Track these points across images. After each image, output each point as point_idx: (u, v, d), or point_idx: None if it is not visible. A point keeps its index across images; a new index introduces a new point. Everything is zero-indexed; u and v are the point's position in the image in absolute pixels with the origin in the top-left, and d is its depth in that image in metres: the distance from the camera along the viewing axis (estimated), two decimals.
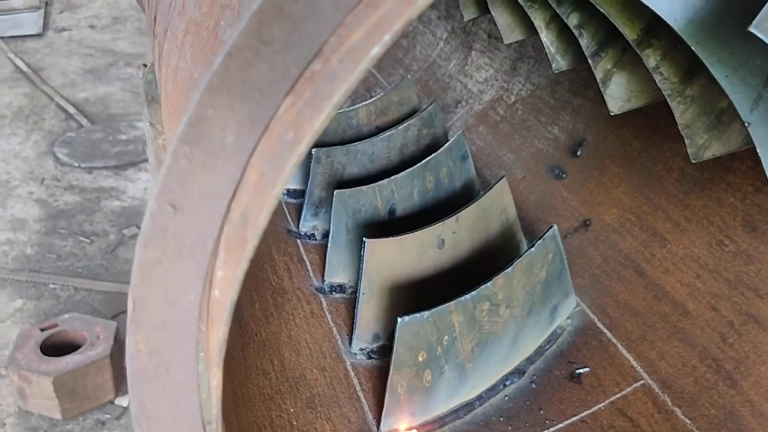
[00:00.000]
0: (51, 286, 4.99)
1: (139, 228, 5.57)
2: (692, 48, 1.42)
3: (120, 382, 4.15)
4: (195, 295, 0.92)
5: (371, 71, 3.88)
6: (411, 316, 1.70)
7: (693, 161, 1.71)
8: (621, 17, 1.69)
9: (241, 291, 1.83)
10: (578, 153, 2.52)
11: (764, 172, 1.43)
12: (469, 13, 2.74)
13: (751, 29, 1.12)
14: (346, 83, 0.77)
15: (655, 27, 1.68)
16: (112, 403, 4.15)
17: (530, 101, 2.85)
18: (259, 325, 1.82)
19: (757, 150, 1.42)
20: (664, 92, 1.70)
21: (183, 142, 0.85)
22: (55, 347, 4.10)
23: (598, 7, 1.70)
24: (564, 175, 2.52)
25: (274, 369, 1.70)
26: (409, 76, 3.15)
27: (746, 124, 1.42)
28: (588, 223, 2.32)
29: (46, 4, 10.27)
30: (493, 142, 2.89)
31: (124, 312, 4.77)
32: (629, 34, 1.70)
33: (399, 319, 1.69)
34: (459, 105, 3.20)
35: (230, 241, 0.86)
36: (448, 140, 2.59)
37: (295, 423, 1.58)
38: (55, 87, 7.99)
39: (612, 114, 1.97)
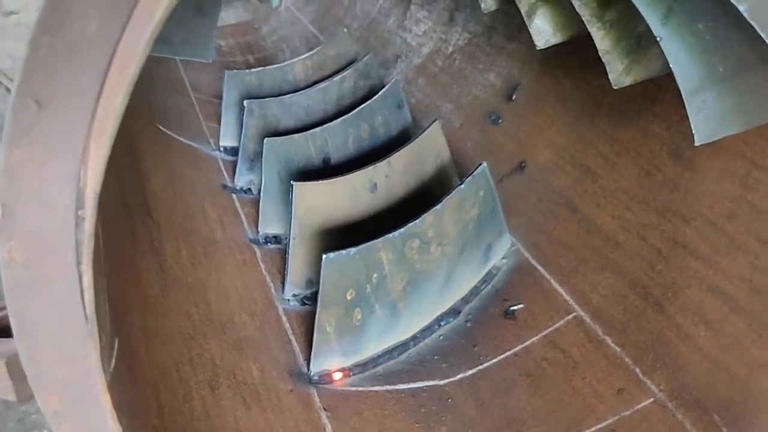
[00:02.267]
0: None
1: None
2: None
3: None
4: (70, 201, 0.87)
5: (310, 29, 3.83)
6: (337, 252, 1.68)
7: (615, 87, 1.70)
8: None
9: (166, 237, 1.78)
10: (513, 97, 2.50)
11: (678, 87, 1.42)
12: None
13: None
14: None
15: None
16: None
17: (467, 50, 2.83)
18: (184, 271, 1.78)
19: (671, 65, 1.41)
20: (583, 18, 1.69)
21: (42, 30, 0.80)
22: (8, 328, 3.99)
23: None
24: (500, 120, 2.50)
25: (198, 312, 1.67)
26: (345, 30, 3.10)
27: (659, 39, 1.41)
28: (523, 165, 2.31)
29: None
30: (432, 93, 2.87)
31: None
32: None
33: (324, 256, 1.66)
34: (399, 60, 3.16)
35: (97, 134, 0.82)
36: None
37: (218, 362, 1.54)
38: (3, 70, 7.78)
39: (538, 48, 1.95)
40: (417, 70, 3.01)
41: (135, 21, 0.80)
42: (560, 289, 1.93)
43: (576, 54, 2.28)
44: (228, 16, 6.99)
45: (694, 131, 1.45)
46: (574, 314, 1.85)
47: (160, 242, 1.78)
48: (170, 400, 1.24)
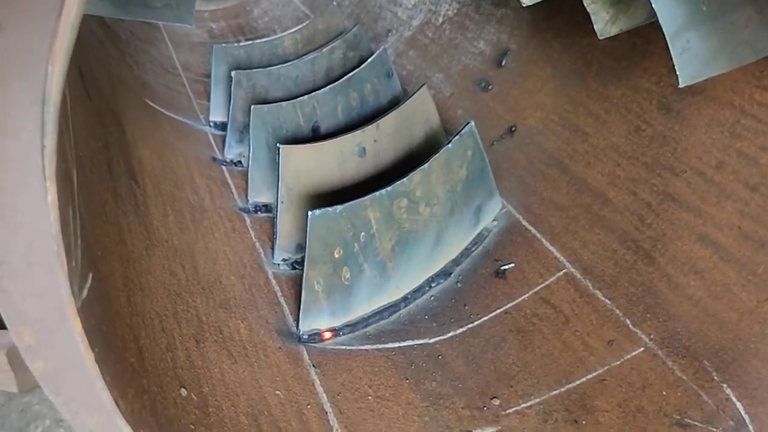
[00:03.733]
0: None
1: None
2: None
3: None
4: (34, 124, 0.86)
5: (302, 9, 3.81)
6: (323, 209, 1.67)
7: (600, 37, 1.69)
8: None
9: (153, 202, 1.77)
10: (503, 63, 2.48)
11: (662, 28, 1.41)
12: None
13: None
14: None
15: None
16: None
17: (456, 20, 2.81)
18: (171, 234, 1.76)
19: (653, 5, 1.39)
20: None
21: None
22: None
23: None
24: (490, 87, 2.49)
25: (185, 272, 1.65)
26: (335, 3, 3.09)
27: None
28: (513, 129, 2.30)
29: None
30: (422, 64, 2.85)
31: None
32: None
33: (310, 213, 1.65)
34: (389, 33, 3.14)
35: (57, 53, 0.81)
36: None
37: (204, 319, 1.53)
38: None
39: (524, 5, 1.93)
40: (407, 42, 3.00)
41: None
42: (551, 248, 1.92)
43: (564, 15, 2.26)
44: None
45: (678, 72, 1.43)
46: (564, 270, 1.84)
47: (146, 206, 1.77)
48: (151, 347, 1.23)
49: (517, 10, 2.48)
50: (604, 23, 1.68)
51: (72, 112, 1.43)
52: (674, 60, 1.42)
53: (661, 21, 1.40)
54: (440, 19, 2.90)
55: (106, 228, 1.36)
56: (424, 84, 2.20)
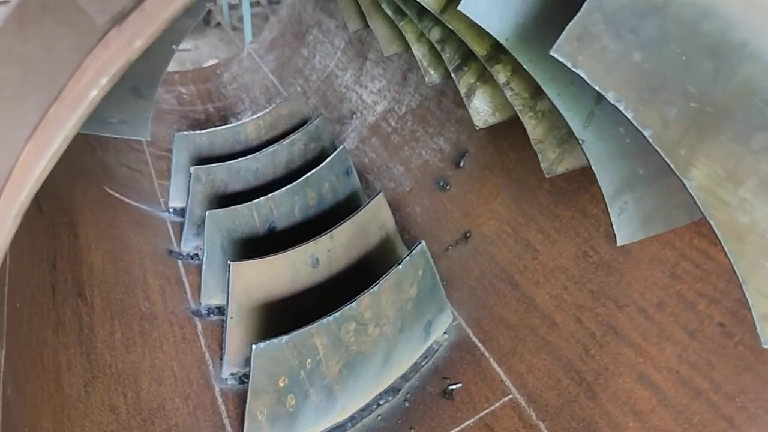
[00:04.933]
0: None
1: None
2: (524, 67, 1.42)
3: None
4: None
5: (271, 78, 3.83)
6: (267, 342, 1.67)
7: (546, 176, 1.72)
8: (470, 33, 1.69)
9: (100, 320, 1.75)
10: (461, 164, 2.51)
11: (600, 188, 1.44)
12: (353, 25, 2.71)
13: (552, 53, 1.12)
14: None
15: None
16: None
17: (419, 112, 2.84)
18: (115, 356, 1.76)
19: (592, 167, 1.42)
20: (515, 108, 1.71)
21: None
22: None
23: (446, 23, 1.70)
24: (448, 187, 2.51)
25: (126, 402, 1.64)
26: (298, 89, 3.12)
27: (580, 141, 1.42)
28: (468, 235, 2.32)
29: None
30: (384, 153, 2.87)
31: None
32: (479, 50, 1.69)
33: (254, 347, 1.65)
34: (354, 116, 3.17)
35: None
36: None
37: None
38: None
39: (477, 128, 1.97)
40: (371, 128, 3.03)
41: (65, 98, 0.79)
42: (498, 369, 1.93)
43: (519, 126, 2.29)
44: (203, 45, 6.99)
45: (616, 232, 1.46)
46: (510, 396, 1.85)
47: (91, 327, 1.76)
48: None
49: None
50: (550, 162, 1.72)
51: (16, 251, 1.43)
52: (612, 220, 1.45)
53: (600, 182, 1.43)
54: (403, 109, 2.93)
55: (40, 381, 1.35)
56: (380, 192, 2.22)
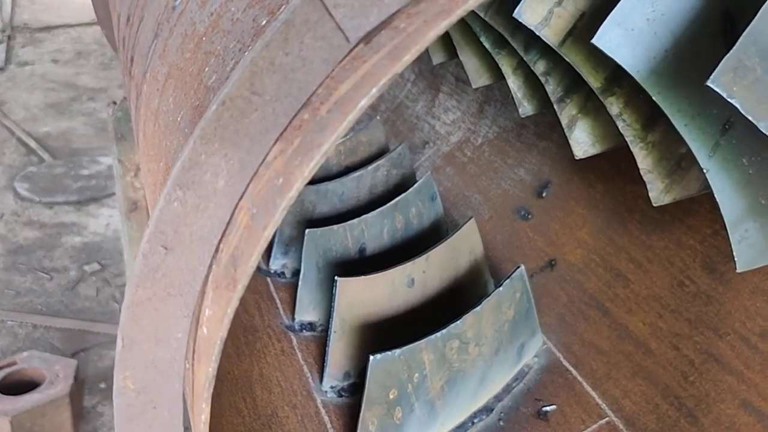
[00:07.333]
0: (9, 323, 4.89)
1: (100, 264, 5.50)
2: (653, 98, 1.49)
3: (78, 422, 4.07)
4: (183, 334, 0.94)
5: None
6: (383, 354, 1.73)
7: (654, 205, 1.78)
8: (585, 66, 1.77)
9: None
10: (543, 194, 2.59)
11: (722, 215, 1.50)
12: (437, 57, 2.81)
13: (709, 84, 1.20)
14: (334, 132, 0.81)
15: (618, 76, 1.75)
16: None
17: (497, 143, 2.92)
18: (231, 363, 1.83)
19: (715, 195, 1.49)
20: (626, 138, 1.78)
21: (176, 185, 0.87)
22: (14, 386, 4.03)
23: (563, 56, 1.78)
24: (530, 216, 2.58)
25: (246, 407, 1.71)
26: (378, 117, 3.21)
27: (704, 171, 1.49)
28: (553, 263, 2.38)
29: (9, 38, 10.20)
30: (460, 182, 2.95)
31: (84, 350, 4.69)
32: (593, 82, 1.77)
33: (371, 357, 1.71)
34: (427, 146, 3.26)
35: (219, 280, 0.89)
36: (416, 180, 2.65)
37: None
38: (16, 121, 7.91)
39: (577, 158, 2.04)
40: (445, 158, 3.11)
41: (259, 177, 0.87)
42: (592, 392, 1.98)
43: (608, 159, 2.37)
44: None
45: (736, 258, 1.52)
46: (606, 419, 1.90)
47: None
48: None
49: (560, 145, 2.59)
50: (659, 192, 1.78)
51: None
52: (732, 247, 1.51)
53: (722, 210, 1.49)
54: (479, 140, 3.01)
55: None
56: (471, 217, 2.30)
